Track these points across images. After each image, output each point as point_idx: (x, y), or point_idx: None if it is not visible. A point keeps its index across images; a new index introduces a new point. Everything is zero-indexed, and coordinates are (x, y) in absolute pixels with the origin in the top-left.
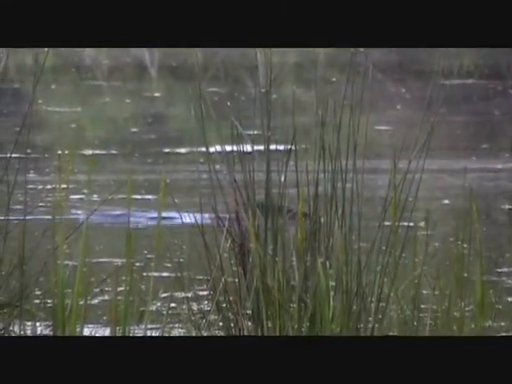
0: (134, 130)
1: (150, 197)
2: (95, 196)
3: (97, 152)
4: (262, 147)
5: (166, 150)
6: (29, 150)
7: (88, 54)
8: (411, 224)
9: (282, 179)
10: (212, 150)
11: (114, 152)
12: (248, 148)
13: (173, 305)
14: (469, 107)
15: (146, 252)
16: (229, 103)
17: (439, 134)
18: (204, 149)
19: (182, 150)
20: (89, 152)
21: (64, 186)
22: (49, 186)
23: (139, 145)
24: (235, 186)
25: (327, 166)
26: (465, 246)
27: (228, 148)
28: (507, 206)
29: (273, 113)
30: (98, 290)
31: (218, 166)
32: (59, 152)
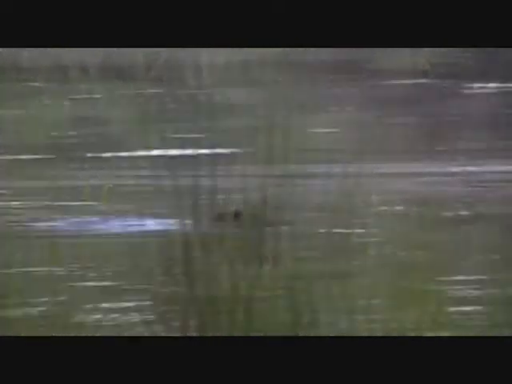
0: (72, 133)
1: (72, 203)
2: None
3: (21, 157)
4: (206, 151)
5: (107, 155)
6: None
7: (28, 55)
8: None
9: (222, 184)
10: (154, 153)
11: (38, 157)
12: (190, 152)
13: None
14: (422, 108)
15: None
16: (171, 106)
17: (390, 136)
18: (145, 153)
19: (123, 154)
20: (11, 157)
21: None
22: None
23: (69, 149)
24: (179, 190)
25: (274, 170)
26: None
27: (171, 152)
28: (461, 212)
29: (216, 115)
30: None
31: (158, 171)
32: None
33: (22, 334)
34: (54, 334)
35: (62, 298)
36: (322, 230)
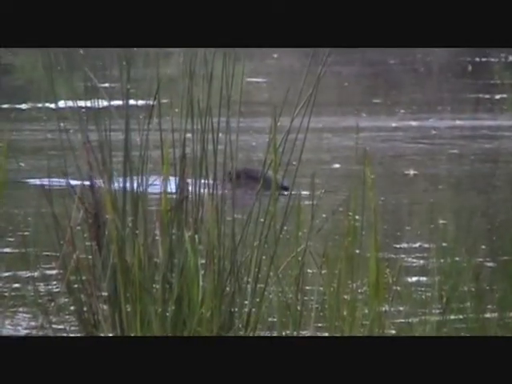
0: None
1: None
2: None
3: None
4: (119, 102)
5: (4, 106)
6: None
7: None
8: (294, 192)
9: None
10: (61, 105)
11: None
12: (103, 103)
13: (16, 285)
14: (360, 55)
15: None
16: (81, 51)
17: (324, 86)
18: (51, 104)
19: (24, 106)
20: None
21: None
22: None
23: None
24: (88, 147)
25: (196, 125)
26: (357, 217)
27: (80, 103)
28: (409, 171)
29: (133, 62)
30: None
31: (67, 124)
32: None
33: None
34: None
35: None
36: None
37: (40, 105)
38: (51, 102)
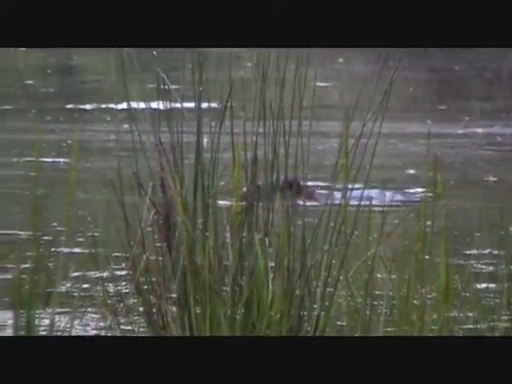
0: (30, 82)
1: (60, 160)
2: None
3: None
4: (191, 104)
5: (82, 107)
6: None
7: None
8: (365, 196)
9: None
10: (133, 106)
11: (7, 107)
12: (176, 105)
13: (85, 286)
14: (426, 62)
15: (55, 224)
16: (155, 52)
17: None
18: (117, 105)
19: (95, 106)
20: None
21: None
22: None
23: (39, 100)
24: (160, 148)
25: (268, 128)
26: (428, 223)
27: (153, 105)
28: (487, 177)
29: (205, 65)
30: None
31: (139, 126)
32: None
33: None
34: None
35: (41, 266)
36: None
37: (104, 106)
38: (123, 103)
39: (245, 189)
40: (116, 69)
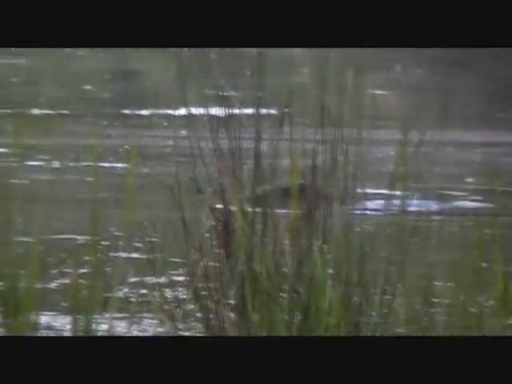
0: (88, 87)
1: (118, 165)
2: (56, 163)
3: (44, 112)
4: (250, 110)
5: (139, 112)
6: None
7: None
8: (423, 203)
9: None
10: (192, 112)
11: (64, 112)
12: (234, 111)
13: (143, 291)
14: (482, 68)
15: (112, 229)
16: (213, 55)
17: (445, 100)
18: (176, 111)
19: (152, 112)
20: (35, 111)
21: (4, 150)
22: None
23: (96, 104)
24: (219, 154)
25: (327, 135)
26: (485, 231)
27: (211, 111)
28: None
29: (265, 70)
30: (56, 271)
31: (198, 132)
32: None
33: None
34: None
35: (99, 271)
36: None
37: (161, 111)
38: (181, 109)
39: (301, 194)
40: (175, 74)
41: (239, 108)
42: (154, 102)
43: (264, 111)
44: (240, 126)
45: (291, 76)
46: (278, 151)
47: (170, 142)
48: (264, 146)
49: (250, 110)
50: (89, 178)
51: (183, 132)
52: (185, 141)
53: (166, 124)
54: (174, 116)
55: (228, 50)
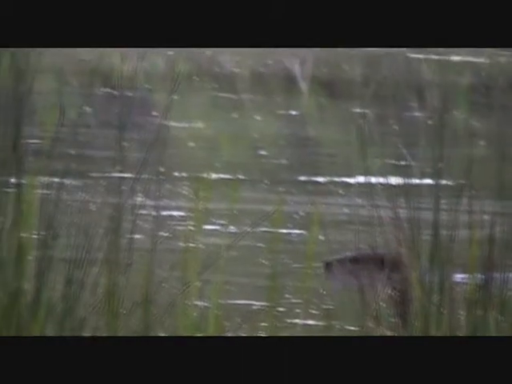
0: (264, 153)
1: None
2: (232, 227)
3: (220, 176)
4: (429, 181)
5: (315, 179)
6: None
7: (226, 59)
8: None
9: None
10: (370, 180)
11: (240, 177)
12: (414, 181)
13: None
14: None
15: (288, 296)
16: (396, 127)
17: None
18: (356, 179)
19: (328, 179)
20: (211, 176)
21: (181, 213)
22: (164, 213)
23: (272, 171)
24: (398, 223)
25: (507, 208)
26: None
27: (390, 180)
28: None
29: (443, 142)
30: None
31: (376, 200)
32: (176, 174)
33: None
34: None
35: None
36: None
37: (337, 179)
38: (357, 176)
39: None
40: (358, 143)
41: (419, 178)
42: (330, 170)
43: (443, 182)
44: (419, 196)
45: (469, 148)
46: (456, 222)
47: (345, 210)
48: (442, 217)
49: (428, 180)
50: (265, 245)
51: (357, 200)
52: (360, 209)
53: (341, 192)
54: (350, 183)
55: (407, 115)
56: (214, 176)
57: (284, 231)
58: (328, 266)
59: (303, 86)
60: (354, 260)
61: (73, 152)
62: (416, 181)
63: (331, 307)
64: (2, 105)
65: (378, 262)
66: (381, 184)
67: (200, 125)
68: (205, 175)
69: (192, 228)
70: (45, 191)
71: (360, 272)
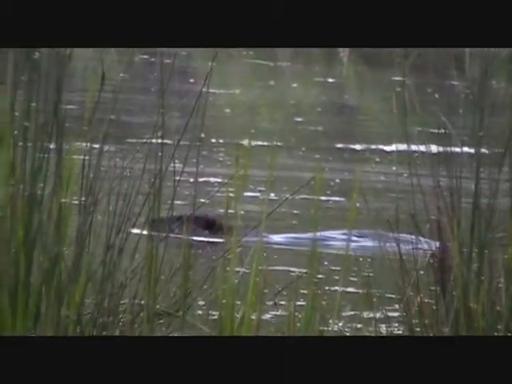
0: (301, 119)
1: (337, 198)
2: (272, 195)
3: (257, 143)
4: (471, 150)
5: (352, 147)
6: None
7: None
8: None
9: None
10: (412, 148)
11: (277, 144)
12: (456, 149)
13: (358, 325)
14: None
15: (326, 263)
16: (437, 95)
17: None
18: (392, 147)
19: (358, 147)
20: (246, 142)
21: (218, 179)
22: (201, 179)
23: (310, 137)
24: (438, 192)
25: None
26: None
27: (433, 147)
28: None
29: (484, 111)
30: (271, 303)
31: (416, 168)
32: (213, 140)
33: None
34: None
35: (315, 304)
36: None
37: (374, 146)
38: (393, 145)
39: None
40: (398, 110)
41: (460, 146)
42: (367, 137)
43: (484, 151)
44: (460, 165)
45: (509, 117)
46: (497, 191)
47: (382, 178)
48: (483, 186)
49: (469, 149)
50: (306, 212)
51: (393, 168)
52: (399, 177)
53: (377, 159)
54: (387, 152)
55: (446, 83)
56: (251, 143)
57: (323, 198)
58: (154, 223)
59: (342, 54)
60: (179, 219)
61: (112, 117)
62: (456, 149)
63: (371, 275)
64: (43, 70)
65: (205, 225)
66: (421, 152)
67: (237, 91)
68: (244, 142)
69: (231, 195)
70: (85, 157)
71: (182, 230)
